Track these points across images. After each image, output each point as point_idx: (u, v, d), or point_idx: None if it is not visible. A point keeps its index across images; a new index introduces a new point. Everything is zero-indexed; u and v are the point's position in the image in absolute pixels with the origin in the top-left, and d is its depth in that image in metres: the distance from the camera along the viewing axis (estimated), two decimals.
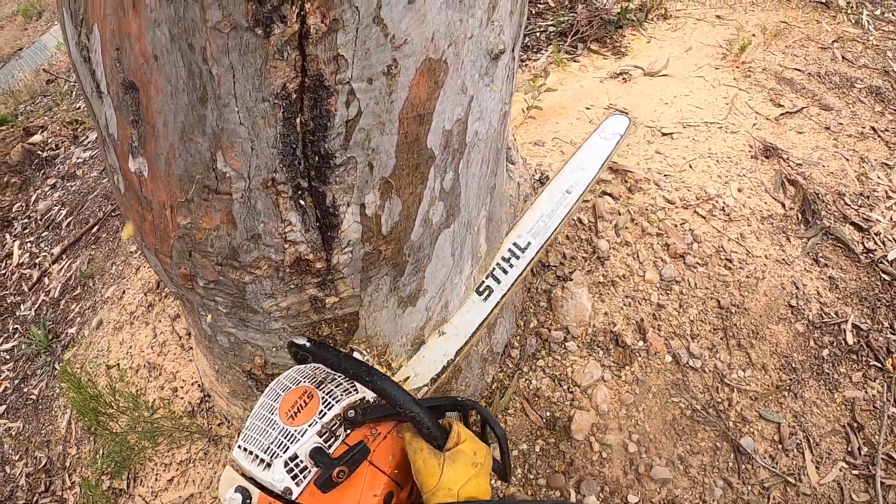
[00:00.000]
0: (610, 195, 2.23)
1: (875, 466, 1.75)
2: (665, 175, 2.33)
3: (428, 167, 1.14)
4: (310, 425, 0.98)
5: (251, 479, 0.98)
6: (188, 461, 2.08)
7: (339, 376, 1.08)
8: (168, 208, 1.08)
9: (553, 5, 3.67)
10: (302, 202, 1.05)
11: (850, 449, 1.79)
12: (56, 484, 2.38)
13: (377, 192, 1.09)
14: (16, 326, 3.13)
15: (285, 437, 0.96)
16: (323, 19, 0.82)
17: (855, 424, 1.82)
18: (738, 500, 1.70)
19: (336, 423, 1.01)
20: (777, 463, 1.76)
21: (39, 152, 3.98)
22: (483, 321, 1.56)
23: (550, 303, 1.99)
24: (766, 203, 2.25)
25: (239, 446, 1.01)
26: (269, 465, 0.95)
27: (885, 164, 2.40)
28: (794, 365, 1.91)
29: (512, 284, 1.60)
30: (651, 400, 1.83)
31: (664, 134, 2.53)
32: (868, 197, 2.28)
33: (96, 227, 3.33)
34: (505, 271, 1.63)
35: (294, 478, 0.94)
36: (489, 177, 1.44)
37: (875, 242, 2.14)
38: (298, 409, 1.00)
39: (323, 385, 1.05)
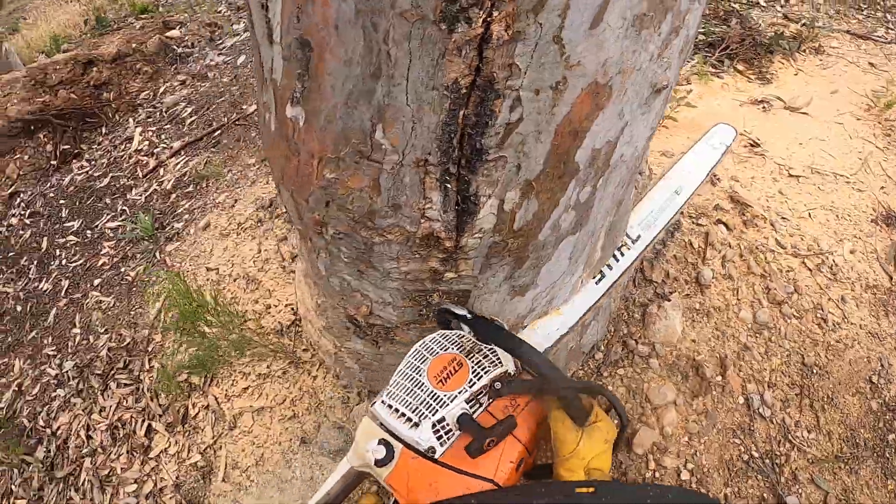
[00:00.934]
0: (725, 224, 2.22)
1: None
2: (783, 218, 2.28)
3: (570, 179, 1.17)
4: (459, 392, 1.04)
5: (392, 434, 1.04)
6: (266, 376, 2.21)
7: (486, 348, 1.15)
8: (316, 159, 1.14)
9: (707, 13, 3.56)
10: (447, 185, 1.10)
11: None
12: (135, 364, 2.55)
13: (518, 192, 1.13)
14: (124, 208, 3.35)
15: (434, 401, 1.03)
16: (507, 29, 0.85)
17: None
18: None
19: (482, 393, 1.07)
20: None
21: (175, 47, 4.18)
22: (594, 303, 1.63)
23: (644, 317, 2.03)
24: (874, 271, 2.19)
25: (383, 402, 1.07)
26: (416, 425, 1.00)
27: None
28: (858, 440, 1.89)
29: (622, 273, 1.66)
30: (714, 435, 1.85)
31: (791, 175, 2.47)
32: None
33: (219, 132, 3.48)
34: (616, 259, 1.69)
35: (439, 438, 1.00)
36: (621, 194, 1.47)
37: None
38: (448, 374, 1.07)
39: (471, 355, 1.12)
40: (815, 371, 1.95)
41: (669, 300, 2.02)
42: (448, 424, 1.02)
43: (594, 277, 1.66)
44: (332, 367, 2.10)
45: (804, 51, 3.25)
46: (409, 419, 1.02)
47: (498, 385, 1.08)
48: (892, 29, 3.58)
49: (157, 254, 2.96)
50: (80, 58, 3.95)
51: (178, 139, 3.60)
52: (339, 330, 1.82)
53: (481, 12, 0.82)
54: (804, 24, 3.36)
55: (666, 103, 1.32)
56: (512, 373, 1.13)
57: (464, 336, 1.19)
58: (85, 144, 3.88)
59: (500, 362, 1.12)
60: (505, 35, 0.85)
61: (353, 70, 0.94)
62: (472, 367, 1.09)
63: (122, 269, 3.00)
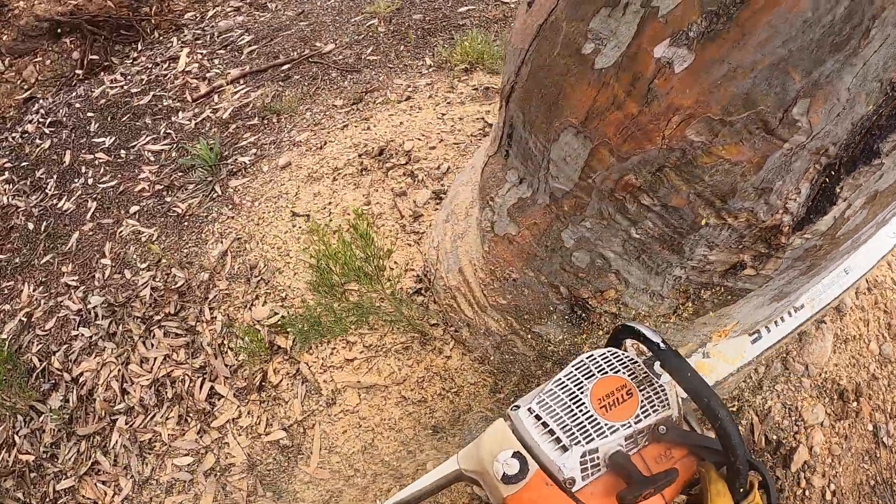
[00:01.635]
0: None
1: None
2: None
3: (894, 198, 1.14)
4: (622, 426, 0.91)
5: (528, 449, 0.92)
6: (380, 349, 1.97)
7: (657, 383, 1.00)
8: (680, 115, 1.02)
9: None
10: (823, 180, 1.05)
11: None
12: (189, 311, 2.26)
13: (863, 199, 1.09)
14: (169, 132, 3.05)
15: (593, 427, 0.91)
16: None
17: None
18: None
19: (643, 433, 0.95)
20: None
21: None
22: (744, 364, 1.64)
23: (801, 337, 2.06)
24: None
25: (530, 410, 0.95)
26: (564, 448, 0.89)
27: None
28: None
29: (779, 339, 1.67)
30: (849, 458, 1.92)
31: None
32: None
33: (288, 66, 3.22)
34: (776, 324, 1.68)
35: (584, 471, 0.89)
36: None
37: None
38: (616, 402, 0.94)
39: (643, 388, 0.98)
40: None
41: (825, 323, 2.08)
42: (598, 458, 0.90)
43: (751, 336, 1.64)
44: (481, 350, 1.89)
45: None
46: (559, 440, 0.90)
47: (663, 429, 0.95)
48: None
49: (218, 188, 2.68)
50: None
51: (234, 67, 3.30)
52: (534, 311, 1.68)
53: None
54: None
55: None
56: (675, 419, 0.99)
57: (637, 362, 1.03)
58: (116, 58, 3.51)
59: (668, 404, 0.98)
60: None
61: (809, 32, 0.85)
62: (642, 402, 0.95)
63: (168, 199, 2.69)
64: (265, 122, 2.97)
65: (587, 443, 0.89)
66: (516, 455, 0.89)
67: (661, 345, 0.98)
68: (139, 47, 3.60)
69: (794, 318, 1.69)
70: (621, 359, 1.03)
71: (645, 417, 0.94)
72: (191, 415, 2.06)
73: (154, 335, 2.24)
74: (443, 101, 2.87)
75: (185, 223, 2.60)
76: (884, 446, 1.98)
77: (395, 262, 2.19)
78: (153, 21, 3.58)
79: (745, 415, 1.93)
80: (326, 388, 1.96)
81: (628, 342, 1.17)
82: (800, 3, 0.84)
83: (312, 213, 2.41)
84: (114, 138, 3.09)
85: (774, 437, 1.90)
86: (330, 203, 2.41)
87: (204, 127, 3.03)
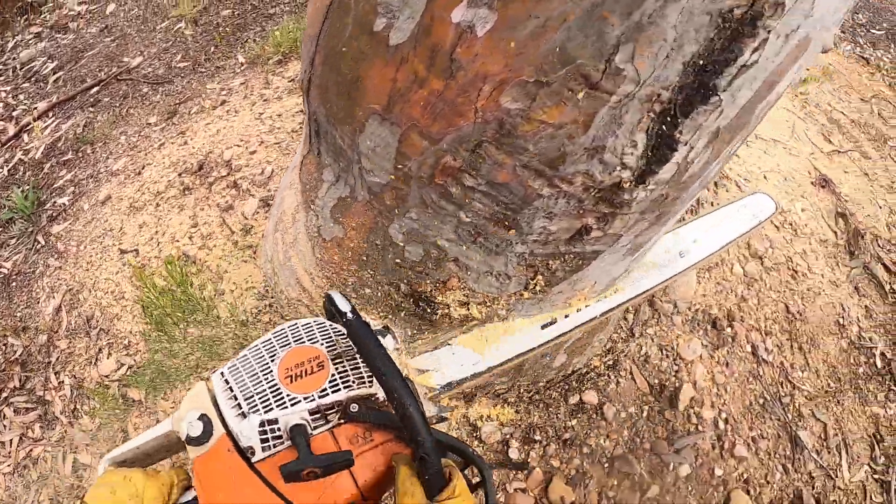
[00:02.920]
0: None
1: (890, 474, 1.92)
2: (745, 180, 2.39)
3: (739, 131, 1.04)
4: (305, 399, 0.82)
5: (221, 419, 0.82)
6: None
7: (360, 359, 0.89)
8: (491, 83, 0.88)
9: None
10: (660, 128, 0.92)
11: (873, 456, 1.95)
12: (36, 381, 2.00)
13: (705, 139, 0.98)
14: None
15: (274, 397, 0.81)
16: None
17: (878, 436, 1.98)
18: (790, 485, 1.81)
19: (334, 409, 0.84)
20: (821, 458, 1.87)
21: None
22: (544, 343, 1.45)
23: None
24: (822, 228, 2.38)
25: (221, 374, 0.85)
26: (243, 415, 0.80)
27: None
28: (838, 375, 2.05)
29: (588, 320, 1.49)
30: (734, 384, 1.89)
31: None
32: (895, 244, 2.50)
33: (97, 89, 2.83)
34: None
35: (264, 441, 0.80)
36: None
37: None
38: (303, 373, 0.84)
39: (338, 361, 0.87)
40: (797, 317, 2.07)
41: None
42: (279, 429, 0.81)
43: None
44: None
45: None
46: (239, 406, 0.81)
47: (354, 407, 0.84)
48: None
49: (40, 237, 2.34)
50: None
51: (42, 99, 2.87)
52: (379, 312, 1.49)
53: None
54: None
55: None
56: (381, 399, 0.88)
57: (341, 332, 0.92)
58: None
59: (370, 382, 0.87)
60: None
61: None
62: (332, 375, 0.85)
63: None
64: (80, 154, 2.58)
65: (266, 412, 0.79)
66: (202, 417, 0.80)
67: (349, 314, 0.86)
68: None
69: (617, 294, 1.51)
70: (325, 329, 0.90)
71: (333, 392, 0.82)
72: (61, 495, 1.83)
73: (4, 415, 1.98)
74: (259, 99, 2.62)
75: (14, 284, 2.27)
76: (765, 363, 1.97)
77: (234, 283, 1.95)
78: None
79: (622, 365, 1.85)
80: None
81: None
82: None
83: (140, 247, 2.12)
84: None
85: (656, 381, 1.84)
86: (157, 232, 2.13)
87: (17, 172, 2.61)
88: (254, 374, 0.84)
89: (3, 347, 2.09)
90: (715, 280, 2.06)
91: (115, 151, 2.55)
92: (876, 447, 1.97)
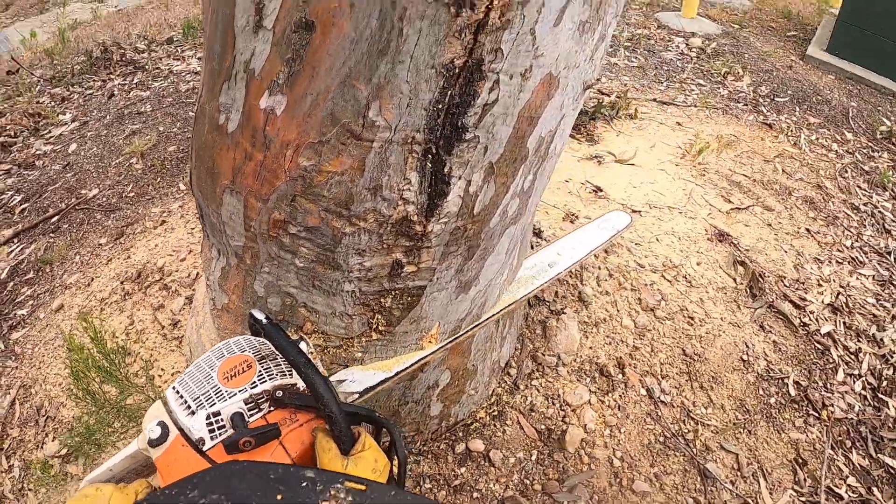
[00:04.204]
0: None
1: (819, 495, 1.97)
2: (636, 244, 2.63)
3: (521, 164, 1.29)
4: (239, 391, 1.03)
5: (175, 421, 1.02)
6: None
7: (281, 358, 1.14)
8: (291, 148, 1.14)
9: None
10: (427, 165, 1.15)
11: (797, 480, 2.01)
12: None
13: (482, 174, 1.22)
14: None
15: (215, 394, 1.02)
16: (500, 17, 0.98)
17: (800, 460, 2.06)
18: None
19: (264, 398, 1.06)
20: (737, 487, 1.95)
21: None
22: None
23: (545, 331, 2.18)
24: (720, 277, 2.58)
25: (173, 388, 1.06)
26: (192, 413, 1.00)
27: (817, 258, 2.84)
28: (747, 407, 2.16)
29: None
30: (630, 424, 2.01)
31: (634, 210, 2.86)
32: (803, 283, 2.67)
33: (57, 217, 3.22)
34: None
35: (211, 432, 0.99)
36: (542, 194, 1.64)
37: (810, 319, 2.50)
38: (235, 373, 1.06)
39: (263, 361, 1.11)
40: (695, 359, 2.23)
41: (564, 314, 2.21)
42: (222, 420, 1.01)
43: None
44: None
45: (621, 116, 3.85)
46: (189, 406, 1.02)
47: (279, 394, 1.08)
48: (689, 95, 4.39)
49: (1, 343, 2.61)
50: None
51: (7, 228, 3.24)
52: None
53: (485, 0, 0.96)
54: (618, 96, 4.00)
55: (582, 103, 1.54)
56: (301, 389, 1.12)
57: (265, 344, 1.18)
58: None
59: (289, 374, 1.12)
60: (498, 22, 0.99)
61: (358, 48, 1.00)
62: (259, 371, 1.08)
63: None
64: (40, 273, 2.91)
65: (210, 406, 0.99)
66: (160, 423, 0.99)
67: (264, 320, 1.15)
68: None
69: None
70: (251, 341, 1.17)
71: (261, 384, 1.05)
72: None
73: None
74: (193, 217, 3.03)
75: None
76: (663, 404, 2.09)
77: (162, 369, 2.21)
78: None
79: (509, 416, 1.99)
80: None
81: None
82: (344, 29, 0.97)
83: (86, 346, 2.35)
84: None
85: (543, 426, 1.96)
86: (100, 333, 2.37)
87: None
88: (198, 381, 1.04)
89: None
90: (604, 333, 2.23)
91: (69, 269, 2.88)
92: (799, 470, 2.06)
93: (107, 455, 2.05)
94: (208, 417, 0.99)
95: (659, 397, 2.10)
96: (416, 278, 1.40)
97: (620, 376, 2.12)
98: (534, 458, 1.90)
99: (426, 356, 1.60)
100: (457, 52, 1.01)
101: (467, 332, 1.68)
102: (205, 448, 0.98)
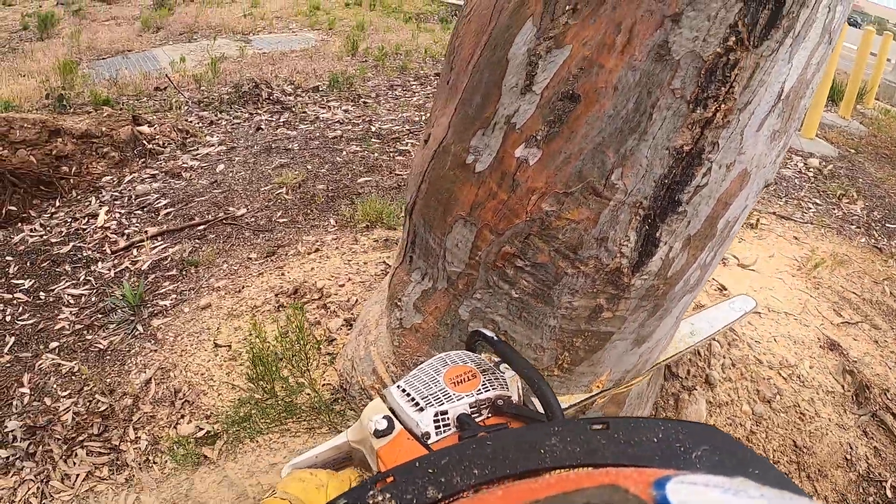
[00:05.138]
0: (717, 342, 2.83)
1: None
2: (756, 342, 2.93)
3: (708, 241, 1.58)
4: (467, 395, 1.17)
5: (398, 416, 1.17)
6: (300, 453, 2.17)
7: (498, 371, 1.29)
8: (536, 194, 1.46)
9: None
10: (645, 228, 1.47)
11: None
12: (113, 433, 2.41)
13: (681, 243, 1.51)
14: (88, 278, 3.33)
15: (444, 395, 1.16)
16: (724, 117, 1.32)
17: None
18: None
19: (486, 404, 1.20)
20: None
21: (145, 142, 4.37)
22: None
23: (677, 404, 2.49)
24: (829, 381, 2.84)
25: (398, 386, 1.21)
26: (421, 409, 1.13)
27: None
28: (848, 502, 2.40)
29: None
30: None
31: (754, 312, 3.22)
32: None
33: (203, 227, 3.65)
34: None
35: (437, 428, 1.12)
36: (713, 271, 1.90)
37: None
38: (462, 380, 1.20)
39: (485, 373, 1.26)
40: (804, 451, 2.48)
41: (696, 389, 2.55)
42: (448, 419, 1.14)
43: None
44: None
45: (744, 226, 4.19)
46: (417, 403, 1.15)
47: (500, 402, 1.21)
48: (805, 212, 4.75)
49: (140, 326, 2.94)
50: (48, 124, 3.98)
51: (152, 226, 3.68)
52: None
53: (715, 103, 1.31)
54: None
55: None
56: (514, 400, 1.26)
57: (483, 359, 1.34)
58: (34, 211, 3.83)
59: (506, 386, 1.26)
60: (721, 121, 1.34)
61: (614, 123, 1.35)
62: (484, 381, 1.23)
63: (90, 337, 2.91)
64: (183, 273, 3.29)
65: (439, 405, 1.14)
66: (386, 416, 1.14)
67: (495, 338, 1.31)
68: (57, 203, 3.93)
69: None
70: (471, 356, 1.35)
71: (485, 391, 1.20)
72: None
73: (76, 454, 2.35)
74: (348, 250, 3.37)
75: (108, 357, 2.79)
76: None
77: (313, 379, 2.47)
78: (72, 181, 3.90)
79: None
80: (252, 491, 2.14)
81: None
82: (605, 106, 1.33)
83: (234, 344, 2.71)
84: (33, 281, 3.31)
85: None
86: (249, 335, 2.69)
87: (123, 276, 3.31)
88: (425, 383, 1.21)
89: (90, 402, 2.53)
90: (725, 415, 2.54)
91: (217, 274, 3.25)
92: None
93: (246, 445, 2.28)
94: (436, 415, 1.13)
95: None
96: (609, 324, 1.67)
97: None
98: None
99: (594, 395, 1.89)
100: (687, 140, 1.35)
101: (629, 383, 2.04)
102: (430, 441, 1.13)
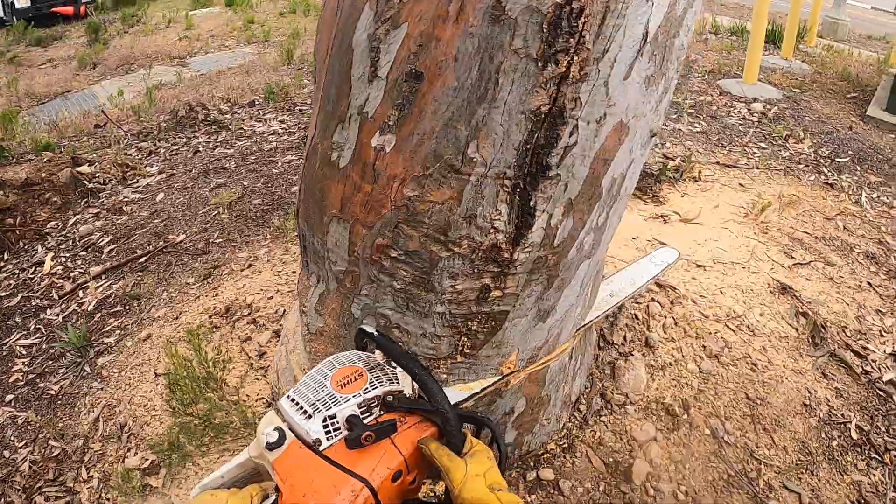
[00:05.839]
0: (658, 302, 2.71)
1: None
2: (701, 296, 2.82)
3: (596, 201, 1.50)
4: (354, 396, 1.17)
5: (290, 426, 1.14)
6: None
7: (388, 367, 1.30)
8: (397, 181, 1.38)
9: None
10: (516, 198, 1.37)
11: None
12: (68, 475, 2.40)
13: (562, 208, 1.42)
14: (38, 327, 3.26)
15: (331, 399, 1.15)
16: (579, 70, 1.22)
17: (862, 501, 2.15)
18: None
19: (375, 403, 1.20)
20: None
21: (86, 182, 4.28)
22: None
23: (614, 372, 2.38)
24: (782, 327, 2.73)
25: (287, 396, 1.19)
26: (309, 416, 1.12)
27: (879, 310, 2.97)
28: (809, 450, 2.27)
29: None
30: (694, 461, 2.14)
31: (698, 266, 3.07)
32: (865, 333, 2.80)
33: (145, 259, 3.58)
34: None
35: (327, 433, 1.11)
36: (613, 233, 1.82)
37: (872, 367, 2.63)
38: (348, 381, 1.20)
39: (372, 370, 1.27)
40: (758, 403, 2.36)
41: (633, 355, 2.41)
42: (338, 422, 1.13)
43: None
44: None
45: (685, 179, 4.10)
46: (305, 411, 1.14)
47: (389, 398, 1.22)
48: (751, 158, 4.62)
49: (87, 367, 2.90)
50: None
51: (96, 265, 3.61)
52: None
53: (567, 56, 1.21)
54: (682, 160, 4.26)
55: (651, 150, 1.78)
56: (407, 394, 1.28)
57: (372, 357, 1.37)
58: None
59: (397, 381, 1.27)
60: (578, 75, 1.23)
61: (460, 95, 1.26)
62: (370, 379, 1.23)
63: (41, 385, 2.88)
64: (127, 307, 3.23)
65: (326, 410, 1.13)
66: (277, 428, 1.11)
67: (375, 333, 1.36)
68: (5, 256, 3.88)
69: None
70: (359, 354, 1.34)
71: (373, 389, 1.20)
72: None
73: (35, 502, 2.34)
74: (279, 262, 3.33)
75: (59, 402, 2.76)
76: (727, 444, 2.23)
77: (247, 395, 2.44)
78: (18, 232, 3.87)
79: (578, 449, 2.16)
80: None
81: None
82: (448, 79, 1.24)
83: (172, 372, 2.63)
84: None
85: (610, 459, 2.13)
86: (188, 362, 2.65)
87: (71, 319, 3.25)
88: (313, 389, 1.18)
89: (46, 449, 2.53)
90: (669, 376, 2.40)
91: (157, 304, 3.19)
92: None
93: (189, 469, 2.26)
94: (325, 420, 1.11)
95: (723, 437, 2.24)
96: (501, 303, 1.59)
97: (685, 416, 2.28)
98: (601, 488, 2.05)
99: (506, 377, 1.80)
100: (543, 100, 1.25)
101: (544, 360, 1.90)
102: (321, 448, 1.10)
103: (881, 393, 2.56)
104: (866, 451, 2.33)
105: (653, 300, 2.71)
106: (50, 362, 3.02)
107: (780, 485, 2.16)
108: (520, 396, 1.96)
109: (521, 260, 1.49)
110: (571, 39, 1.18)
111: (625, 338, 2.52)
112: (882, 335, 2.82)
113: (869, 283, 3.17)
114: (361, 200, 1.48)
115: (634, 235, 3.38)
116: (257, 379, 2.52)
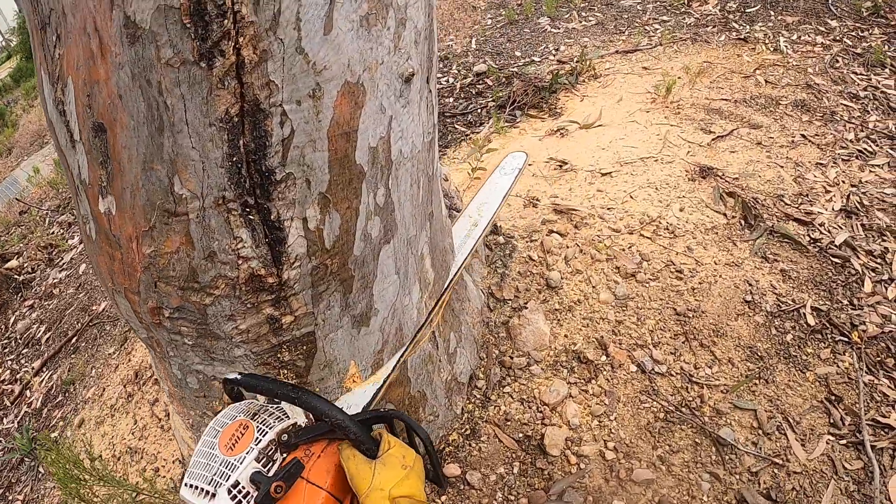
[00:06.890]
0: (557, 233, 2.41)
1: (862, 433, 1.79)
2: (608, 209, 2.51)
3: (360, 182, 1.26)
4: (247, 452, 1.05)
5: None
6: None
7: (271, 406, 1.17)
8: (134, 241, 1.19)
9: (491, 84, 4.07)
10: (251, 218, 1.16)
11: (832, 421, 1.84)
12: None
13: (317, 207, 1.20)
14: None
15: (226, 467, 1.03)
16: (254, 51, 0.98)
17: (833, 398, 1.88)
18: (728, 491, 1.72)
19: (272, 448, 1.08)
20: (760, 448, 1.79)
21: (16, 276, 4.19)
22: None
23: (509, 332, 2.10)
24: (707, 217, 2.42)
25: (185, 484, 1.07)
26: (213, 496, 1.01)
27: (819, 163, 2.63)
28: (759, 354, 1.99)
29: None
30: (622, 409, 1.89)
31: (603, 174, 2.74)
32: (807, 195, 2.47)
33: (75, 338, 3.46)
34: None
35: (237, 502, 1.01)
36: (424, 201, 1.57)
37: (820, 232, 2.32)
38: (236, 440, 1.07)
39: (256, 416, 1.13)
40: (690, 316, 2.08)
41: (527, 308, 2.13)
42: (244, 486, 1.02)
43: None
44: None
45: (584, 80, 3.72)
46: (207, 492, 1.03)
47: (285, 437, 1.10)
48: (653, 36, 4.18)
49: (41, 468, 2.82)
50: None
51: (37, 358, 3.54)
52: None
53: (230, 42, 0.96)
54: (577, 61, 3.86)
55: (429, 103, 1.47)
56: (302, 424, 1.16)
57: (251, 402, 1.22)
58: None
59: (286, 416, 1.15)
60: (255, 57, 0.99)
61: (141, 133, 1.04)
62: (257, 426, 1.10)
63: (10, 497, 2.82)
64: (66, 395, 3.14)
65: (226, 481, 1.01)
66: None
67: (238, 376, 1.20)
68: None
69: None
70: (237, 406, 1.19)
71: (263, 436, 1.07)
72: None
73: None
74: None
75: None
76: (659, 375, 1.96)
77: (164, 460, 2.29)
78: None
79: (483, 431, 1.92)
80: None
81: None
82: (123, 121, 1.02)
83: (102, 452, 2.53)
84: None
85: (521, 434, 1.88)
86: (112, 438, 2.54)
87: (24, 422, 3.18)
88: (205, 465, 1.06)
89: None
90: (579, 317, 2.12)
91: (88, 384, 3.08)
92: (833, 409, 1.88)
93: None
94: (229, 491, 1.01)
95: (653, 370, 1.96)
96: (300, 326, 1.39)
97: (604, 358, 2.00)
98: (516, 470, 1.82)
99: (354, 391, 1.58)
100: (228, 101, 1.02)
101: (397, 359, 1.63)
102: None
103: (836, 259, 2.26)
104: (828, 336, 2.05)
105: (551, 232, 2.39)
106: (13, 472, 2.95)
107: (729, 406, 1.90)
108: (384, 404, 1.75)
109: (293, 278, 1.28)
110: (225, 21, 0.94)
111: (517, 289, 2.24)
112: (827, 191, 2.47)
113: (803, 135, 2.81)
114: (119, 269, 1.30)
115: (530, 162, 3.01)
116: (170, 440, 2.37)
